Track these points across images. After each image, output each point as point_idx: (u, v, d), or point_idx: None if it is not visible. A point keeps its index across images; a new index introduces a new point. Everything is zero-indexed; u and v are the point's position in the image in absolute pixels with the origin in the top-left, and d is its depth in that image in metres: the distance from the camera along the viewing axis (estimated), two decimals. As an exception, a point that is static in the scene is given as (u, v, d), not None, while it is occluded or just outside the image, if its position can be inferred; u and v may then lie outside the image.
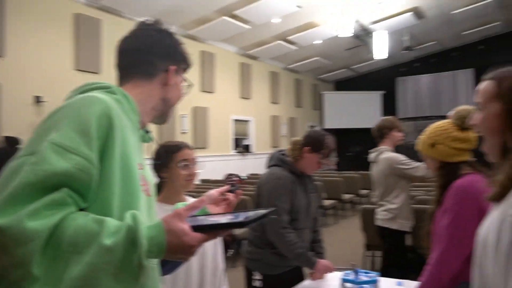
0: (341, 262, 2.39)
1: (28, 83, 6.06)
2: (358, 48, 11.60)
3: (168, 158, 1.74)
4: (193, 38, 8.98)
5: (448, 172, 1.75)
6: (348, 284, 2.09)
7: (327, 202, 7.31)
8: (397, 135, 3.33)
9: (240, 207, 3.86)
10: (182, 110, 8.72)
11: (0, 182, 0.79)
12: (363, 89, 15.14)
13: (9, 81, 5.82)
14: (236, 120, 10.67)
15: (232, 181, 1.26)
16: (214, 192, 1.15)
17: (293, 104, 13.33)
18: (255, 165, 10.70)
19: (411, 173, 3.11)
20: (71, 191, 0.80)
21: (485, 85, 1.05)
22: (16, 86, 5.89)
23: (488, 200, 0.99)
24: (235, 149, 10.61)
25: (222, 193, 1.19)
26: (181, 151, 1.76)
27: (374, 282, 2.08)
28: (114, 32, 6.28)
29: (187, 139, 8.84)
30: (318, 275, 2.29)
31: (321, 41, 10.68)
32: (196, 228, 0.86)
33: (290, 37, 10.11)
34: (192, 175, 1.76)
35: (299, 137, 2.36)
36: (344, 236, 6.55)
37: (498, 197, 0.95)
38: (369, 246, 4.35)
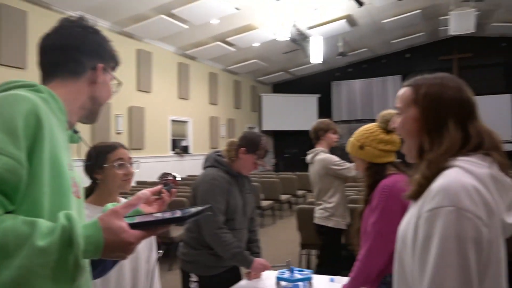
0: (278, 262, 2.44)
1: None
2: (295, 52, 11.91)
3: (102, 158, 1.68)
4: (129, 35, 8.69)
5: (375, 172, 1.86)
6: (283, 282, 2.14)
7: (265, 203, 7.41)
8: (332, 137, 3.48)
9: (175, 208, 3.77)
10: (117, 109, 8.40)
11: None
12: (300, 92, 15.57)
13: None
14: (174, 121, 10.47)
15: (166, 180, 1.25)
16: (146, 191, 1.13)
17: (232, 105, 13.36)
18: (193, 166, 10.57)
19: (344, 173, 3.27)
20: None
21: (404, 91, 1.13)
22: None
23: (407, 198, 1.06)
24: (173, 150, 10.42)
25: (155, 193, 1.17)
26: (115, 150, 1.71)
27: (308, 279, 2.14)
28: (41, 25, 5.88)
29: (123, 139, 8.52)
30: (254, 274, 2.31)
31: (259, 44, 10.82)
32: (134, 226, 0.85)
33: (229, 39, 10.14)
34: (129, 175, 1.72)
35: (235, 138, 2.38)
36: (281, 236, 6.68)
37: (416, 195, 1.02)
38: (304, 245, 4.47)
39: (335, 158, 3.35)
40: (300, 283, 2.11)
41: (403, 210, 1.12)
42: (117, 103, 8.25)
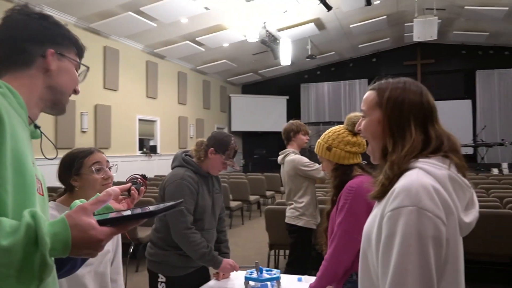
0: (247, 262, 2.46)
1: None
2: (264, 54, 11.98)
3: (78, 164, 1.63)
4: (95, 32, 8.47)
5: (342, 173, 1.91)
6: (251, 282, 2.15)
7: (234, 204, 7.41)
8: (303, 138, 3.55)
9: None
10: (83, 107, 8.17)
11: None
12: (269, 93, 15.67)
13: None
14: (142, 120, 10.29)
15: (135, 179, 1.24)
16: (116, 188, 1.11)
17: (201, 105, 13.28)
18: (161, 166, 10.43)
19: (313, 174, 3.33)
20: None
21: (368, 94, 1.17)
22: None
23: (371, 198, 1.10)
24: (141, 150, 10.23)
25: (124, 190, 1.15)
26: (92, 155, 1.66)
27: (276, 279, 2.16)
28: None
29: (88, 138, 8.30)
30: (223, 274, 2.32)
31: (228, 44, 10.81)
32: (103, 222, 0.83)
33: (198, 38, 10.07)
34: (108, 179, 1.67)
35: (204, 138, 2.37)
36: (250, 236, 6.70)
37: (379, 195, 1.05)
38: (273, 245, 4.50)
39: (304, 159, 3.41)
40: (268, 283, 2.13)
41: (369, 210, 1.15)
42: (83, 100, 8.02)
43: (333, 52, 13.88)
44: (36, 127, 1.01)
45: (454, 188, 0.98)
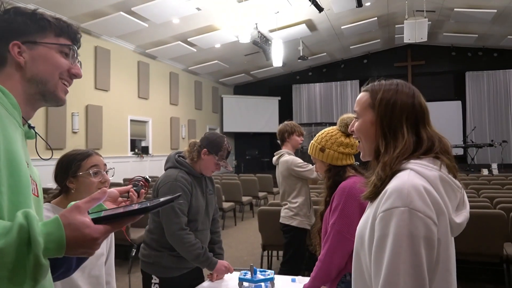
0: (240, 263, 2.46)
1: None
2: (256, 54, 11.99)
3: (76, 166, 1.61)
4: (86, 32, 8.42)
5: (335, 174, 1.92)
6: (245, 283, 2.16)
7: (226, 205, 7.41)
8: (297, 139, 3.58)
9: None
10: (74, 108, 8.11)
11: None
12: (261, 94, 15.69)
13: None
14: (133, 121, 10.24)
15: (136, 181, 1.22)
16: (114, 189, 1.10)
17: (192, 106, 13.25)
18: (153, 167, 10.39)
19: (306, 175, 3.36)
20: None
21: (361, 95, 1.18)
22: None
23: (363, 199, 1.11)
24: (132, 151, 10.18)
25: (123, 193, 1.14)
26: (90, 157, 1.64)
27: (270, 280, 2.17)
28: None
29: (79, 139, 8.24)
30: (217, 275, 2.32)
31: (220, 45, 10.81)
32: (97, 220, 0.81)
33: (190, 39, 10.05)
34: (105, 182, 1.65)
35: (197, 139, 2.37)
36: (242, 237, 6.70)
37: (372, 196, 1.07)
38: (266, 246, 4.51)
39: (298, 160, 3.44)
40: (262, 284, 2.14)
41: (362, 211, 1.16)
42: (74, 101, 7.97)
43: (325, 53, 13.95)
44: (30, 127, 0.99)
45: (445, 189, 1.00)
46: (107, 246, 1.82)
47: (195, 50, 10.71)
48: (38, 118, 7.28)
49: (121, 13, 7.92)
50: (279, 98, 15.70)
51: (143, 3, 7.80)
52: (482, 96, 14.08)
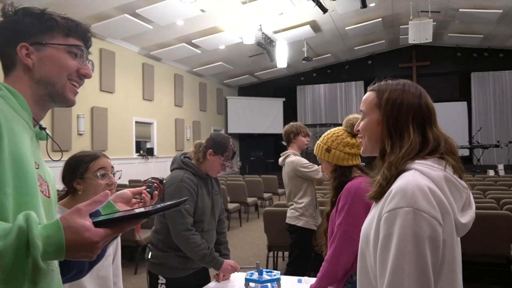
0: (245, 264, 2.47)
1: None
2: (260, 56, 12.00)
3: (83, 168, 1.62)
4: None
5: (341, 174, 1.93)
6: (251, 284, 2.16)
7: (232, 206, 7.41)
8: (303, 140, 3.59)
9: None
10: (79, 110, 8.15)
11: None
12: (265, 95, 15.70)
13: None
14: (138, 122, 10.28)
15: (150, 183, 1.20)
16: (127, 190, 1.10)
17: (197, 107, 13.28)
18: (158, 169, 10.42)
19: (312, 175, 3.37)
20: None
21: (367, 95, 1.18)
22: None
23: (369, 198, 1.11)
24: (138, 152, 10.21)
25: (136, 194, 1.12)
26: (98, 159, 1.66)
27: (276, 280, 2.17)
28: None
29: (84, 140, 8.28)
30: (223, 276, 2.33)
31: (224, 47, 10.82)
32: (99, 223, 0.79)
33: (194, 41, 10.08)
34: (112, 185, 1.66)
35: (202, 140, 2.38)
36: (248, 238, 6.70)
37: (377, 196, 1.07)
38: (271, 247, 4.51)
39: (304, 160, 3.45)
40: (268, 284, 2.14)
41: (368, 211, 1.16)
42: (79, 103, 7.98)
43: (329, 54, 13.93)
44: (41, 128, 0.99)
45: (450, 189, 0.99)
46: (113, 247, 1.83)
47: (200, 51, 10.73)
48: (43, 120, 7.29)
49: (126, 15, 7.96)
50: (284, 99, 15.70)
51: (148, 5, 7.83)
52: (488, 97, 14.01)
